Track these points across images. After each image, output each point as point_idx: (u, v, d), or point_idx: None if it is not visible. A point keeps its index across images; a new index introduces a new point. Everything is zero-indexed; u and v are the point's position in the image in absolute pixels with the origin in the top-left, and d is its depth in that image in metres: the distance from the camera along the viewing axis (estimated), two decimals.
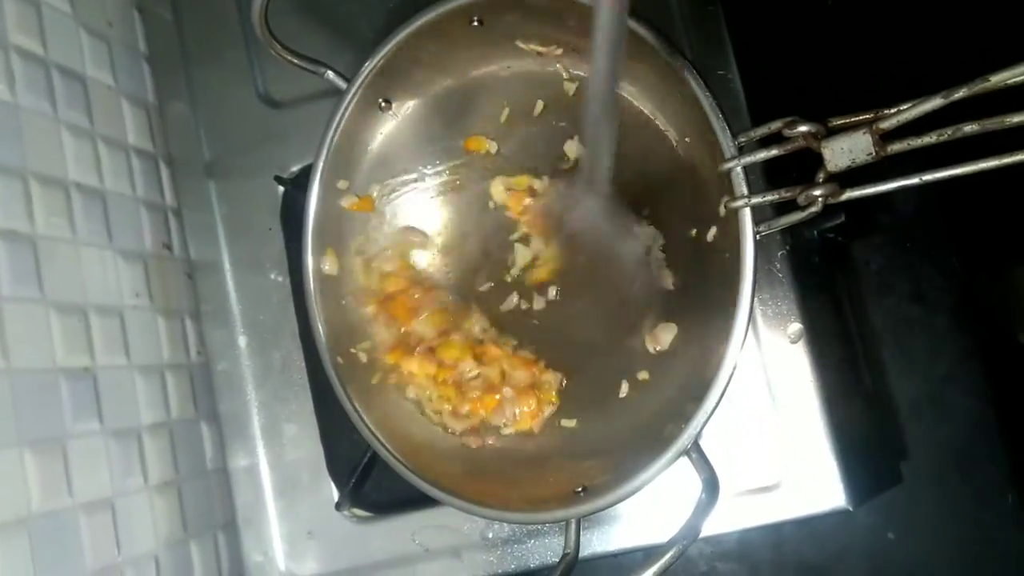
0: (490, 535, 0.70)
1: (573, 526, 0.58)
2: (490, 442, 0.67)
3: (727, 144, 0.56)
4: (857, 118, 0.51)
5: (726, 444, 0.66)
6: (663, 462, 0.56)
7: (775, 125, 0.54)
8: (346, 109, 0.66)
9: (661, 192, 0.66)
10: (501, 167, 0.70)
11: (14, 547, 0.54)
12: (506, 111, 0.70)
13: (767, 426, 0.66)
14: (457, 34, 0.67)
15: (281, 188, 0.76)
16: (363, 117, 0.68)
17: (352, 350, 0.68)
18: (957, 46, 0.79)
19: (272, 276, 0.76)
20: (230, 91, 0.78)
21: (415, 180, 0.72)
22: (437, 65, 0.69)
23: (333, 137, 0.66)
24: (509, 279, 0.70)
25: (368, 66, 0.65)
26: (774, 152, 0.55)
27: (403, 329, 0.69)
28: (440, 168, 0.71)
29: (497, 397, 0.67)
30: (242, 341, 0.76)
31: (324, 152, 0.66)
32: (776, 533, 0.81)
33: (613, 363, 0.66)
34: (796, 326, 0.66)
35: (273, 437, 0.74)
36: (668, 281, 0.65)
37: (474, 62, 0.70)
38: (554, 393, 0.67)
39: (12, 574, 0.54)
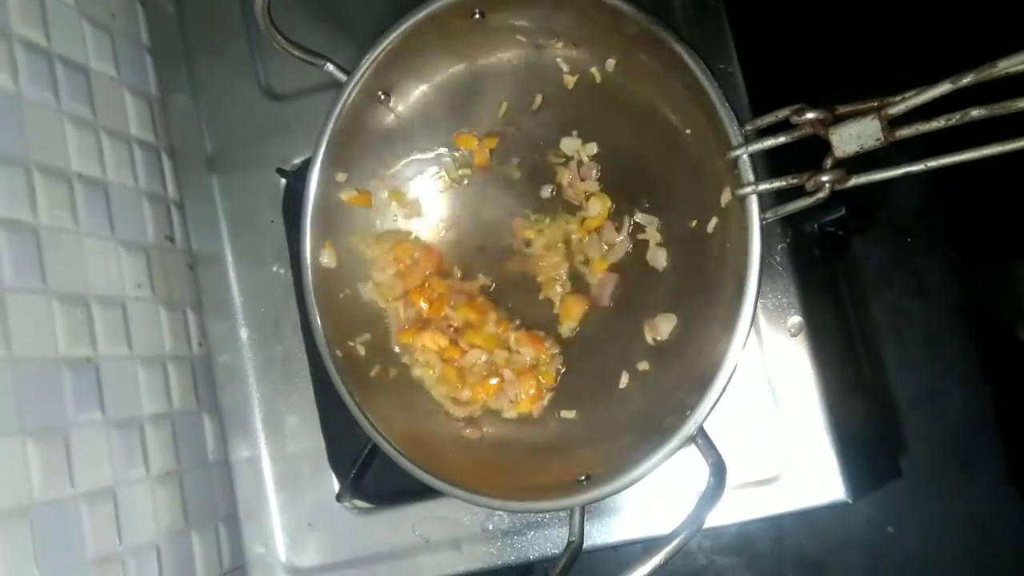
0: (490, 527, 0.70)
1: (577, 514, 0.58)
2: (489, 431, 0.67)
3: (734, 132, 0.57)
4: (864, 105, 0.51)
5: (726, 436, 0.66)
6: (669, 448, 0.56)
7: (783, 112, 0.54)
8: (346, 101, 0.66)
9: (662, 183, 0.66)
10: (498, 162, 0.71)
11: (15, 535, 0.55)
12: (505, 104, 0.70)
13: (767, 418, 0.66)
14: (457, 27, 0.67)
15: (283, 180, 0.76)
16: (363, 110, 0.67)
17: (351, 343, 0.68)
18: (954, 40, 0.79)
19: (274, 268, 0.76)
20: (232, 83, 0.78)
21: (415, 172, 0.72)
22: (437, 58, 0.69)
23: (332, 129, 0.66)
24: (507, 275, 0.70)
25: (368, 59, 0.65)
26: (782, 139, 0.55)
27: (427, 316, 0.69)
28: (439, 161, 0.71)
29: (496, 382, 0.67)
30: (244, 333, 0.76)
31: (323, 144, 0.66)
32: (775, 526, 0.81)
33: (613, 354, 0.66)
34: (796, 319, 0.66)
35: (274, 429, 0.75)
36: (661, 264, 0.66)
37: (474, 55, 0.70)
38: (553, 376, 0.67)
39: (13, 562, 0.54)
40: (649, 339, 0.65)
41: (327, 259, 0.67)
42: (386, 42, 0.65)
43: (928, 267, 0.80)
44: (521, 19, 0.67)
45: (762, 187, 0.55)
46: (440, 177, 0.71)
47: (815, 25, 0.82)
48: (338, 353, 0.66)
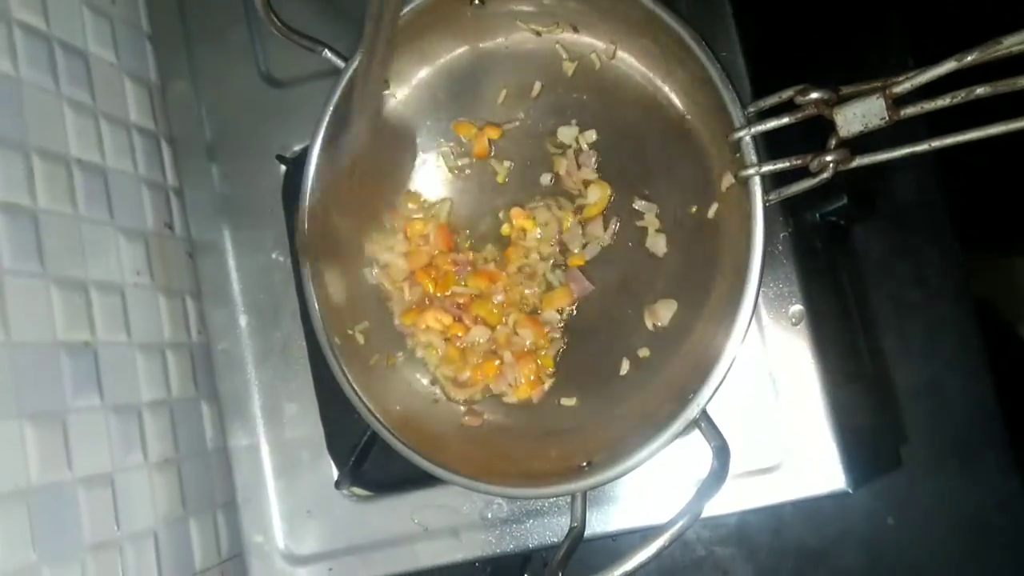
0: (489, 515, 0.70)
1: (579, 500, 0.58)
2: (489, 418, 0.67)
3: (736, 113, 0.57)
4: (868, 85, 0.51)
5: (726, 426, 0.66)
6: (671, 432, 0.56)
7: (786, 93, 0.54)
8: (344, 88, 0.66)
9: (662, 169, 0.66)
10: (497, 150, 0.70)
11: (12, 519, 0.55)
12: (503, 92, 0.70)
13: (767, 408, 0.66)
14: (457, 14, 0.66)
15: (283, 167, 0.76)
16: None
17: (349, 331, 0.68)
18: (956, 23, 0.79)
19: (273, 256, 0.76)
20: (232, 70, 0.78)
21: (412, 160, 0.72)
22: (435, 45, 0.69)
23: (330, 116, 0.66)
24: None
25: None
26: (785, 120, 0.55)
27: (432, 295, 0.69)
28: (438, 149, 0.71)
29: (497, 363, 0.67)
30: (243, 320, 0.76)
31: (321, 131, 0.66)
32: (774, 517, 0.80)
33: (613, 340, 0.66)
34: (797, 308, 0.66)
35: (273, 416, 0.74)
36: (661, 250, 0.65)
37: (472, 42, 0.70)
38: (552, 360, 0.67)
39: (10, 546, 0.54)
40: (649, 325, 0.65)
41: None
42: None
43: (930, 258, 0.80)
44: (520, 5, 0.67)
45: (765, 168, 0.55)
46: (438, 166, 0.71)
47: (816, 8, 0.82)
48: (337, 341, 0.66)
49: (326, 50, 0.66)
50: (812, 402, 0.65)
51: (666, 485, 0.67)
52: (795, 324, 0.66)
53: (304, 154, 0.67)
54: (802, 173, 0.55)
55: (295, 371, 0.74)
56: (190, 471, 0.72)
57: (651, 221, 0.66)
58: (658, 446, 0.56)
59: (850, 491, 0.65)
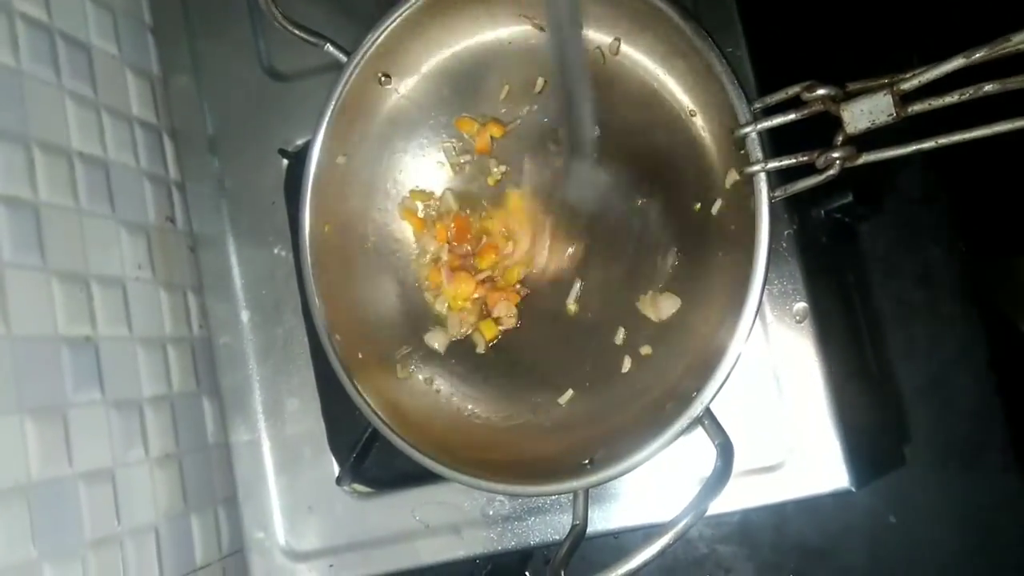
0: (490, 512, 0.70)
1: (581, 498, 0.58)
2: (492, 416, 0.67)
3: (742, 109, 0.56)
4: (876, 81, 0.51)
5: (729, 423, 0.66)
6: (675, 430, 0.56)
7: (793, 89, 0.54)
8: (345, 83, 0.65)
9: (666, 166, 0.66)
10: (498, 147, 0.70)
11: (13, 514, 0.54)
12: (506, 88, 0.70)
13: (771, 405, 0.66)
14: (460, 8, 0.66)
15: (285, 161, 0.76)
16: (363, 91, 0.67)
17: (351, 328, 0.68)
18: (963, 22, 0.79)
19: (275, 250, 0.76)
20: (234, 64, 0.78)
21: (416, 156, 0.71)
22: (439, 40, 0.69)
23: (332, 111, 0.66)
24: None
25: (369, 40, 0.65)
26: (791, 116, 0.55)
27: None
28: (440, 145, 0.71)
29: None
30: (244, 315, 0.75)
31: (323, 126, 0.66)
32: (777, 515, 0.80)
33: (616, 338, 0.66)
34: (801, 306, 0.66)
35: (274, 412, 0.74)
36: (669, 259, 0.65)
37: (476, 37, 0.69)
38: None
39: (10, 541, 0.54)
40: (652, 317, 0.65)
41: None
42: (387, 23, 0.65)
43: (934, 256, 0.79)
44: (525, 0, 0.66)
45: (771, 164, 0.55)
46: (440, 162, 0.71)
47: (821, 5, 0.81)
48: (337, 337, 0.66)
49: (328, 44, 0.66)
50: (816, 400, 0.65)
51: (668, 482, 0.67)
52: (799, 322, 0.66)
53: (307, 148, 0.67)
54: (808, 170, 0.55)
55: (297, 366, 0.74)
56: (191, 466, 0.72)
57: (654, 218, 0.65)
58: (661, 444, 0.56)
59: (853, 490, 0.64)
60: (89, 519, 0.60)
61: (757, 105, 0.56)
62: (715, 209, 0.62)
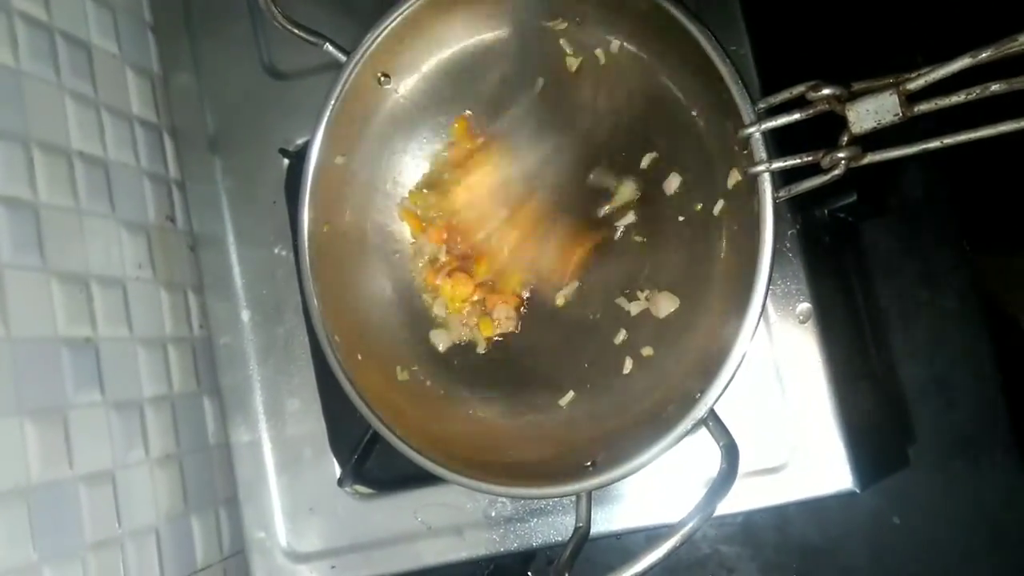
0: (493, 513, 0.69)
1: (584, 500, 0.58)
2: (491, 416, 0.67)
3: (747, 109, 0.56)
4: (881, 81, 0.51)
5: (732, 424, 0.66)
6: (678, 432, 0.56)
7: (798, 89, 0.54)
8: (344, 83, 0.65)
9: (668, 165, 0.65)
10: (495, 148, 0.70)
11: (12, 517, 0.54)
12: (506, 86, 0.70)
13: (774, 406, 0.66)
14: (462, 6, 0.66)
15: (286, 161, 0.75)
16: (362, 91, 0.67)
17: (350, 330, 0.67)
18: (967, 21, 0.78)
19: (276, 250, 0.75)
20: (235, 62, 0.77)
21: (414, 156, 0.71)
22: (439, 39, 0.69)
23: (331, 111, 0.65)
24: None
25: (368, 40, 0.65)
26: (796, 116, 0.54)
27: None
28: (437, 144, 0.71)
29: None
30: (245, 315, 0.75)
31: (322, 126, 0.65)
32: (780, 516, 0.80)
33: (616, 340, 0.66)
34: (805, 306, 0.66)
35: (275, 412, 0.74)
36: (671, 257, 0.65)
37: (476, 37, 0.69)
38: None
39: (10, 544, 0.54)
40: (653, 312, 0.65)
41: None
42: (387, 23, 0.64)
43: (938, 255, 0.79)
44: None
45: (776, 164, 0.55)
46: (434, 162, 0.71)
47: (824, 4, 0.81)
48: (336, 338, 0.65)
49: (328, 44, 0.65)
50: (819, 401, 0.65)
51: (672, 484, 0.66)
52: (803, 322, 0.66)
53: (307, 148, 0.66)
54: (811, 169, 0.55)
55: (297, 366, 0.74)
56: (192, 467, 0.72)
57: (655, 218, 0.65)
58: (665, 446, 0.56)
59: (857, 491, 0.64)
60: (89, 521, 0.60)
61: (761, 105, 0.56)
62: (716, 209, 0.62)
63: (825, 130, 0.53)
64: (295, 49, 0.70)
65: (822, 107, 0.53)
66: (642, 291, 0.66)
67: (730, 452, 0.54)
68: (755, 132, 0.55)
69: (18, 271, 0.58)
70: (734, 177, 0.60)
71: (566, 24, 0.67)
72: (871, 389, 0.75)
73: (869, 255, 0.79)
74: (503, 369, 0.69)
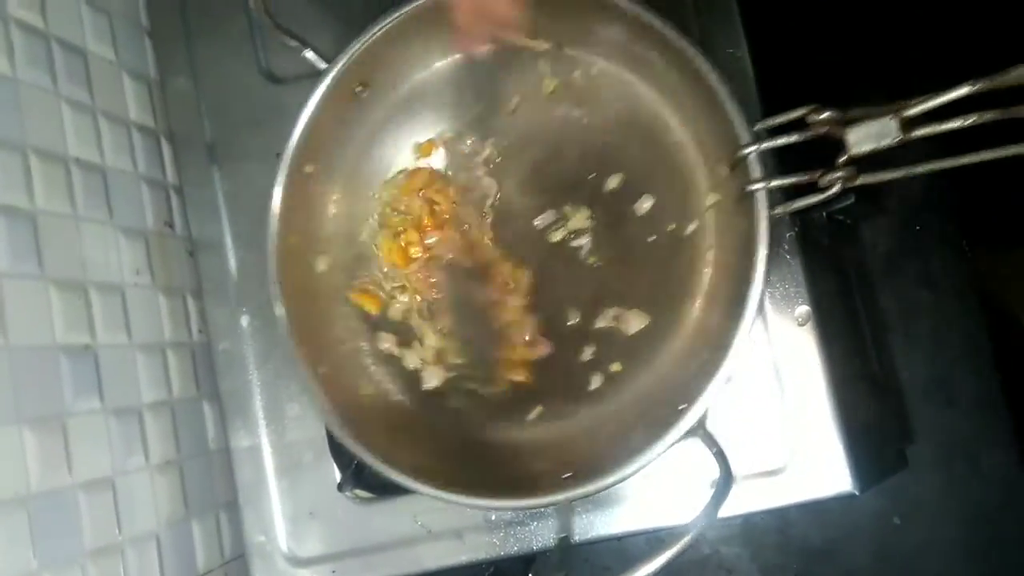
0: (493, 517, 0.69)
1: (565, 511, 0.59)
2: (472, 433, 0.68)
3: (743, 130, 0.57)
4: (879, 107, 0.52)
5: (732, 427, 0.66)
6: (654, 451, 0.57)
7: (797, 112, 0.55)
8: (322, 91, 0.65)
9: (640, 186, 0.67)
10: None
11: (12, 525, 0.54)
12: (480, 106, 0.71)
13: (773, 409, 0.66)
14: (444, 22, 0.66)
15: None
16: (339, 101, 0.67)
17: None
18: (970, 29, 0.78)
19: None
20: (233, 67, 0.77)
21: (388, 169, 0.72)
22: (419, 54, 0.69)
23: (308, 120, 0.66)
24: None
25: (349, 50, 0.65)
26: (794, 138, 0.55)
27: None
28: (411, 160, 0.72)
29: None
30: (244, 320, 0.75)
31: (296, 134, 0.66)
32: (780, 517, 0.80)
33: (586, 355, 0.67)
34: (804, 308, 0.66)
35: (275, 417, 0.74)
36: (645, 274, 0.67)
37: (454, 53, 0.70)
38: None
39: (10, 553, 0.54)
40: (622, 329, 0.66)
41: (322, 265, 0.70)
42: (369, 34, 0.65)
43: (937, 255, 0.79)
44: (507, 17, 0.66)
45: (775, 182, 0.56)
46: (405, 180, 0.72)
47: (827, 5, 0.81)
48: (303, 350, 0.66)
49: (309, 50, 0.66)
50: (819, 403, 0.65)
51: (672, 486, 0.66)
52: (801, 324, 0.66)
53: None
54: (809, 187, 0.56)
55: (297, 371, 0.74)
56: (192, 472, 0.72)
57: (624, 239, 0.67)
58: (645, 460, 0.57)
59: (857, 493, 0.64)
60: (89, 528, 0.60)
61: (759, 126, 0.57)
62: (688, 230, 0.64)
63: (813, 145, 0.54)
64: (293, 53, 0.70)
65: (820, 130, 0.54)
66: (609, 309, 0.67)
67: (722, 459, 0.55)
68: (753, 153, 0.57)
69: (16, 279, 0.58)
70: (713, 196, 0.62)
71: (548, 45, 0.68)
72: (870, 390, 0.75)
73: (868, 256, 0.79)
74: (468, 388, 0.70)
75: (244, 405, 0.74)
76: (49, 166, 0.63)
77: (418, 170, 0.71)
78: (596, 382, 0.66)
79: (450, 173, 0.71)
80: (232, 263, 0.75)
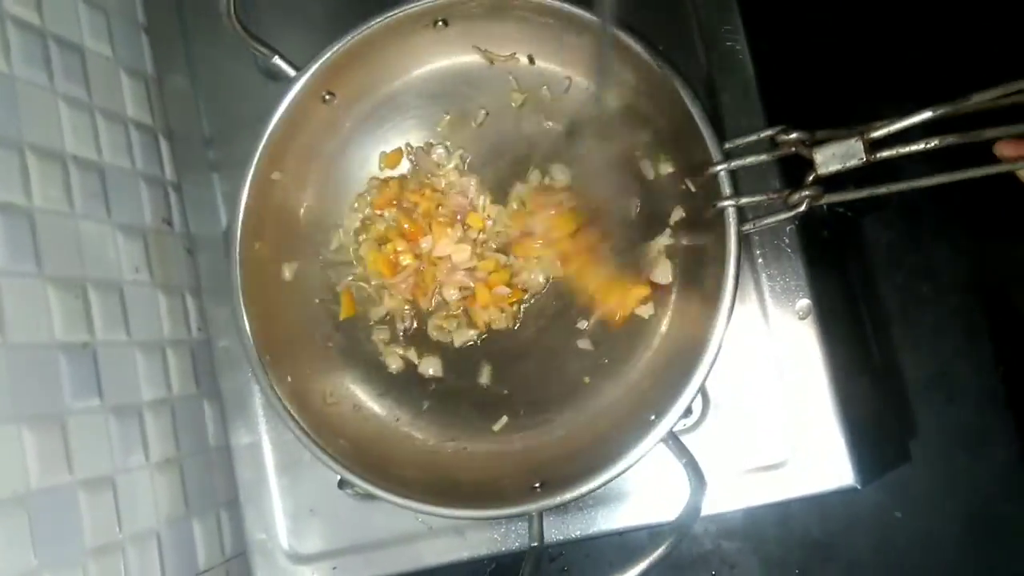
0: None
1: (536, 520, 0.59)
2: (446, 443, 0.69)
3: (715, 149, 0.58)
4: (845, 130, 0.54)
5: (733, 421, 0.66)
6: (626, 461, 0.58)
7: (766, 133, 0.57)
8: (290, 98, 0.66)
9: (606, 206, 0.68)
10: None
11: (12, 524, 0.54)
12: (447, 117, 0.71)
13: (775, 403, 0.66)
14: (416, 33, 0.67)
15: None
16: (306, 109, 0.68)
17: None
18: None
19: None
20: (230, 64, 0.77)
21: (354, 178, 0.73)
22: (390, 64, 0.70)
23: (274, 126, 0.66)
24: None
25: (319, 59, 0.65)
26: (763, 157, 0.58)
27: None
28: (370, 172, 0.73)
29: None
30: None
31: (263, 140, 0.66)
32: (782, 511, 0.80)
33: (553, 367, 0.69)
34: (804, 302, 0.65)
35: (275, 414, 0.73)
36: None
37: (427, 65, 0.71)
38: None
39: (10, 551, 0.53)
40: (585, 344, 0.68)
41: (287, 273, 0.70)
42: (340, 43, 0.65)
43: (938, 248, 0.79)
44: (484, 30, 0.67)
45: (744, 200, 0.58)
46: (369, 193, 0.72)
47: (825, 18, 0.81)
48: (268, 358, 0.66)
49: (277, 57, 0.66)
50: (820, 397, 0.65)
51: (673, 482, 0.66)
52: (802, 318, 0.66)
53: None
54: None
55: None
56: (192, 470, 0.72)
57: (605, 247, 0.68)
58: (614, 472, 0.58)
59: (858, 487, 0.64)
60: (90, 527, 0.60)
61: (727, 145, 0.59)
62: (658, 244, 0.66)
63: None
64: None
65: (788, 150, 0.56)
66: (575, 322, 0.68)
67: (692, 468, 0.57)
68: (722, 171, 0.58)
69: (14, 278, 0.58)
70: (677, 213, 0.64)
71: (518, 59, 0.69)
72: (872, 384, 0.75)
73: (869, 249, 0.79)
74: (437, 394, 0.71)
75: (244, 403, 0.74)
76: (46, 164, 0.63)
77: (388, 180, 0.72)
78: (563, 394, 0.67)
79: (425, 179, 0.72)
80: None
